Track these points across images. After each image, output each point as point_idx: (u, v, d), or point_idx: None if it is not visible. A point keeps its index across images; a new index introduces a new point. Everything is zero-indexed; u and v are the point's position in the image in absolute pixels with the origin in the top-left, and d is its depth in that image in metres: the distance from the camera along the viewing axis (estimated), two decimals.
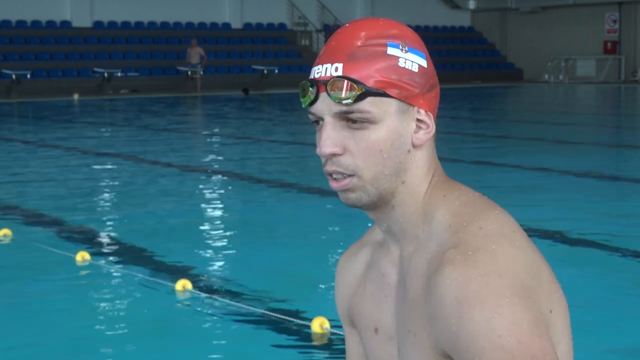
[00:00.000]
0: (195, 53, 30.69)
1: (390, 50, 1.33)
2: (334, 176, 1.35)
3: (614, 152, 13.50)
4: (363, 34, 1.34)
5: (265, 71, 31.97)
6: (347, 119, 1.32)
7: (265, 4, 36.52)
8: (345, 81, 1.30)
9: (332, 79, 1.31)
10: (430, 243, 1.33)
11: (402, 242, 1.38)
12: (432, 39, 39.98)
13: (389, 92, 1.32)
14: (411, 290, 1.33)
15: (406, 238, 1.37)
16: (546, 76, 37.35)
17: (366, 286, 1.47)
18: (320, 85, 1.32)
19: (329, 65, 1.33)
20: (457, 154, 12.13)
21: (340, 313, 1.56)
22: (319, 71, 1.34)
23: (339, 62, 1.32)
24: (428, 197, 1.37)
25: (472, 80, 38.06)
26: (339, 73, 1.31)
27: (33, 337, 4.72)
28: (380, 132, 1.32)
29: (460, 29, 42.30)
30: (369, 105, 1.31)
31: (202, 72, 30.89)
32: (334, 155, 1.33)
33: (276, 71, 32.59)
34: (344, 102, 1.30)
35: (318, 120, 1.35)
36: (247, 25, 36.62)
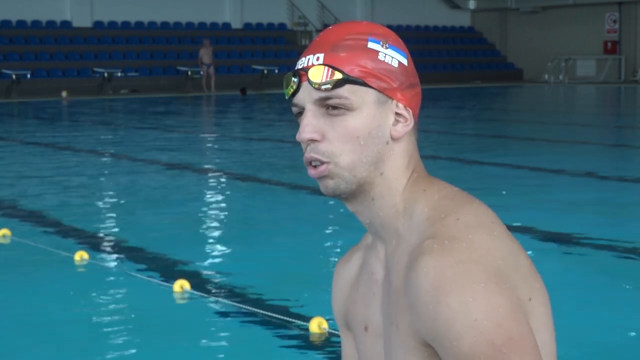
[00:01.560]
0: (209, 52, 30.69)
1: (371, 45, 1.38)
2: (313, 164, 1.38)
3: (614, 152, 13.50)
4: (346, 31, 1.39)
5: (265, 71, 31.98)
6: (327, 106, 1.36)
7: (265, 4, 36.53)
8: (325, 67, 1.35)
9: (312, 67, 1.36)
10: (411, 237, 1.35)
11: (385, 238, 1.40)
12: (432, 39, 40.01)
13: (367, 81, 1.36)
14: (394, 283, 1.35)
15: (388, 233, 1.39)
16: (546, 76, 37.35)
17: (358, 288, 1.49)
18: (302, 74, 1.38)
19: (311, 56, 1.38)
20: (456, 154, 12.13)
21: (336, 318, 1.58)
22: (302, 62, 1.39)
23: (320, 53, 1.37)
24: (408, 192, 1.39)
25: (472, 80, 38.05)
26: (320, 62, 1.36)
27: (32, 337, 4.72)
28: (357, 119, 1.35)
29: (460, 29, 42.30)
30: (347, 92, 1.35)
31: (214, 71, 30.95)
32: (312, 141, 1.37)
33: (276, 71, 32.59)
34: (323, 87, 1.35)
35: (300, 113, 1.39)
36: (247, 25, 36.62)
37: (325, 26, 36.91)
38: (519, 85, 36.71)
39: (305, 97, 1.37)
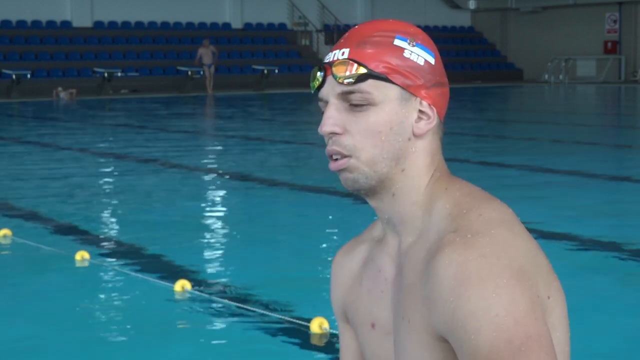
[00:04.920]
0: (209, 52, 30.61)
1: (398, 42, 1.38)
2: (334, 157, 1.38)
3: (614, 152, 13.50)
4: (375, 28, 1.40)
5: (266, 71, 31.95)
6: (350, 100, 1.36)
7: (265, 4, 36.53)
8: (349, 62, 1.36)
9: (337, 61, 1.37)
10: (430, 233, 1.35)
11: (402, 233, 1.40)
12: (433, 39, 39.69)
13: (391, 77, 1.36)
14: (407, 278, 1.35)
15: (406, 230, 1.39)
16: (546, 76, 37.34)
17: (362, 283, 1.48)
18: (327, 68, 1.38)
19: (337, 51, 1.39)
20: (456, 154, 12.13)
21: (335, 309, 1.57)
22: (328, 57, 1.40)
23: (346, 48, 1.38)
24: (430, 190, 1.38)
25: (472, 80, 38.06)
26: (345, 56, 1.37)
27: (33, 337, 4.72)
28: (380, 114, 1.36)
29: (461, 29, 42.30)
30: (369, 86, 1.35)
31: (214, 71, 30.92)
32: (334, 134, 1.37)
33: (276, 71, 32.58)
34: (346, 81, 1.35)
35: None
36: (248, 25, 36.62)
37: (326, 26, 37.09)
38: (519, 85, 36.70)
39: (329, 91, 1.38)
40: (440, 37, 40.59)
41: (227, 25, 36.14)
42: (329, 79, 1.38)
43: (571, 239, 6.82)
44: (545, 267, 1.32)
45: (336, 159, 1.38)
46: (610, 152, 13.38)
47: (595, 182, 9.83)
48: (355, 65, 1.35)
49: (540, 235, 6.76)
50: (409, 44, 1.38)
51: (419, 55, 1.38)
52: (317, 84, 1.39)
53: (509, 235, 1.28)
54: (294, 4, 36.99)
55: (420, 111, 1.38)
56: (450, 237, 1.28)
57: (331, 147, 1.38)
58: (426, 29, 40.43)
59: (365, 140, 1.36)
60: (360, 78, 1.35)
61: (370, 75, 1.35)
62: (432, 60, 1.40)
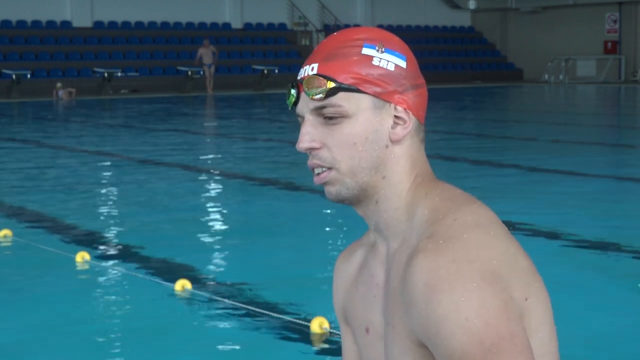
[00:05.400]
0: (209, 52, 30.60)
1: (366, 51, 1.39)
2: (316, 171, 1.41)
3: (614, 151, 13.50)
4: (342, 38, 1.41)
5: (266, 71, 31.95)
6: (324, 115, 1.38)
7: (265, 4, 36.53)
8: (317, 77, 1.38)
9: (307, 77, 1.39)
10: (411, 238, 1.36)
11: (389, 239, 1.42)
12: (432, 39, 39.99)
13: (361, 87, 1.37)
14: (392, 284, 1.37)
15: (391, 235, 1.41)
16: (546, 76, 37.35)
17: (358, 287, 1.50)
18: (300, 85, 1.41)
19: (307, 67, 1.41)
20: (456, 154, 12.14)
21: (336, 311, 1.60)
22: (300, 74, 1.42)
23: (315, 63, 1.40)
24: (411, 195, 1.40)
25: (472, 80, 38.05)
26: (314, 72, 1.39)
27: (33, 337, 4.72)
28: (354, 125, 1.38)
29: (461, 29, 42.30)
30: (340, 99, 1.37)
31: (214, 71, 30.92)
32: (312, 149, 1.40)
33: (276, 71, 32.59)
34: (316, 96, 1.37)
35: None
36: (248, 25, 36.62)
37: (326, 26, 37.09)
38: (519, 85, 36.70)
39: (303, 107, 1.40)
40: (440, 37, 40.61)
41: (227, 25, 36.14)
42: (303, 95, 1.40)
43: (571, 238, 6.82)
44: (525, 268, 1.32)
45: (318, 173, 1.41)
46: (611, 152, 13.38)
47: (596, 181, 9.83)
48: (324, 79, 1.37)
49: (540, 235, 6.77)
50: (377, 50, 1.39)
51: (389, 60, 1.39)
52: (292, 100, 1.42)
53: (483, 238, 1.29)
54: (294, 4, 36.99)
55: (396, 117, 1.39)
56: (424, 243, 1.29)
57: (311, 161, 1.40)
58: (426, 29, 40.46)
59: (343, 152, 1.38)
60: (330, 92, 1.37)
61: (339, 88, 1.37)
62: (403, 64, 1.40)
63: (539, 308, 1.32)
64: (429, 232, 1.32)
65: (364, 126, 1.37)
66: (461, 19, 42.45)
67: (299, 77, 1.42)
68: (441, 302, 1.22)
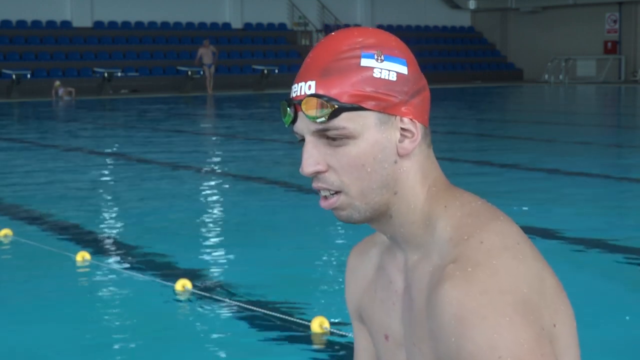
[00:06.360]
0: (209, 52, 30.60)
1: (364, 62, 1.30)
2: (322, 193, 1.33)
3: (615, 151, 13.50)
4: (337, 47, 1.31)
5: (266, 71, 31.97)
6: (327, 137, 1.30)
7: (265, 4, 36.54)
8: (317, 99, 1.28)
9: (305, 98, 1.29)
10: (432, 254, 1.31)
11: (407, 250, 1.36)
12: (432, 39, 40.00)
13: (364, 105, 1.29)
14: (416, 302, 1.32)
15: (410, 247, 1.35)
16: (546, 76, 37.35)
17: (376, 291, 1.45)
18: (297, 106, 1.31)
19: (303, 83, 1.31)
20: (456, 154, 12.14)
21: (350, 309, 1.55)
22: (295, 90, 1.32)
23: (312, 80, 1.30)
24: (428, 208, 1.33)
25: (472, 80, 38.06)
26: (312, 91, 1.29)
27: (33, 337, 4.73)
28: (360, 146, 1.29)
29: (461, 29, 42.30)
30: (344, 121, 1.28)
31: (214, 71, 30.91)
32: (318, 172, 1.31)
33: (276, 71, 32.59)
34: (318, 120, 1.28)
35: (304, 139, 1.33)
36: (248, 25, 36.63)
37: (326, 26, 37.09)
38: (519, 85, 36.71)
39: (303, 128, 1.31)
40: (440, 37, 40.62)
41: (227, 25, 36.14)
42: (301, 114, 1.30)
43: (571, 238, 6.82)
44: (552, 290, 1.27)
45: (325, 196, 1.33)
46: (611, 152, 13.38)
47: (595, 181, 9.83)
48: (324, 101, 1.27)
49: (539, 234, 6.77)
50: (376, 60, 1.30)
51: (390, 70, 1.30)
52: (289, 120, 1.32)
53: (511, 264, 1.23)
54: (294, 4, 37.00)
55: (402, 129, 1.32)
56: (450, 269, 1.23)
57: (317, 184, 1.32)
58: (426, 29, 40.47)
59: (351, 175, 1.30)
60: (333, 114, 1.27)
61: (342, 109, 1.27)
62: (404, 70, 1.32)
63: (565, 331, 1.29)
64: (453, 255, 1.26)
65: (371, 145, 1.29)
66: (461, 19, 42.45)
67: (294, 94, 1.32)
68: (473, 337, 1.17)
